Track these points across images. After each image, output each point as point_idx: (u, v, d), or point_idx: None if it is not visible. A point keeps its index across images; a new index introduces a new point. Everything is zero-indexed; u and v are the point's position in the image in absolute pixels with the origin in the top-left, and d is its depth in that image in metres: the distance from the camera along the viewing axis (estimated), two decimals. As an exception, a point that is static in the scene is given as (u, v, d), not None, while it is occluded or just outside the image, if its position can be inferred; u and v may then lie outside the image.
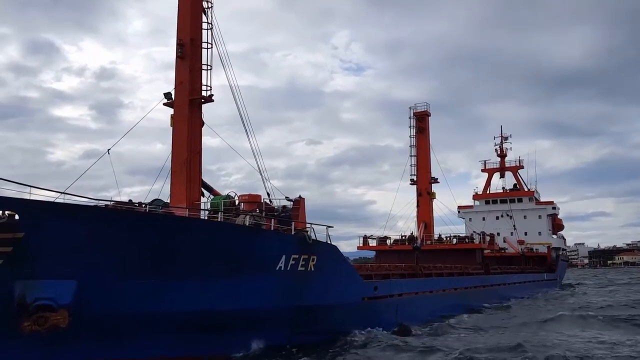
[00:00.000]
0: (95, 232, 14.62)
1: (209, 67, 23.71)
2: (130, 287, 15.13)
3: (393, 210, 49.98)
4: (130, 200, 20.17)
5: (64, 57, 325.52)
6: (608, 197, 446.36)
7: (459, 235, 47.48)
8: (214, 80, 23.39)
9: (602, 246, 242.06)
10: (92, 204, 15.52)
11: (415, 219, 47.96)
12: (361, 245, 47.92)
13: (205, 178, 23.40)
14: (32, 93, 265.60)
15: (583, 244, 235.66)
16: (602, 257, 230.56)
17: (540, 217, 65.65)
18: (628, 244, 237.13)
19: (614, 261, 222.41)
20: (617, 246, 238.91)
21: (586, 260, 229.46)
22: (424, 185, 47.90)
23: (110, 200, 18.02)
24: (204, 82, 23.50)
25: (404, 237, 47.44)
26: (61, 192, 15.64)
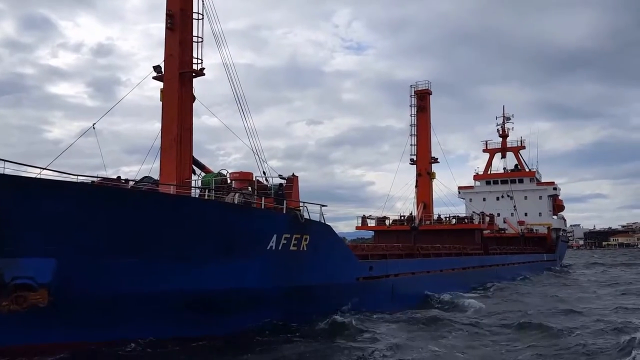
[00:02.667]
0: (76, 209, 14.01)
1: (200, 39, 22.82)
2: (113, 266, 14.59)
3: (392, 192, 49.55)
4: (118, 177, 19.53)
5: (60, 32, 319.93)
6: (605, 179, 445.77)
7: (458, 216, 46.99)
8: (213, 58, 22.46)
9: (598, 228, 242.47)
10: (72, 180, 14.84)
11: (414, 199, 47.40)
12: (359, 225, 47.51)
13: (204, 158, 22.78)
14: (28, 69, 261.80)
15: (579, 225, 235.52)
16: (597, 238, 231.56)
17: (540, 197, 65.13)
18: (623, 226, 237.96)
19: (609, 242, 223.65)
20: (613, 228, 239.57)
21: (581, 242, 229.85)
22: (424, 165, 47.14)
23: (97, 177, 17.41)
24: (195, 54, 22.69)
25: (403, 218, 46.95)
26: (43, 168, 14.97)
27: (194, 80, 22.90)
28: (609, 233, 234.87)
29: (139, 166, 22.31)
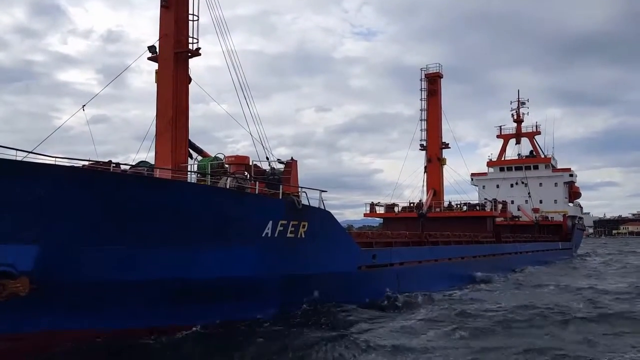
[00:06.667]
0: (59, 193, 13.33)
1: (196, 18, 21.90)
2: (99, 253, 13.93)
3: (400, 179, 48.53)
4: (109, 161, 18.88)
5: (70, 19, 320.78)
6: (616, 166, 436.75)
7: (469, 203, 45.75)
8: (220, 44, 21.38)
9: (608, 216, 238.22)
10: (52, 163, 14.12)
11: (423, 187, 46.23)
12: (368, 212, 46.57)
13: (213, 145, 22.12)
14: (38, 56, 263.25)
15: (588, 213, 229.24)
16: (607, 226, 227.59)
17: (556, 184, 63.48)
18: (634, 214, 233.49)
19: (619, 231, 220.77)
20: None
21: (591, 230, 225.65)
22: (434, 150, 45.84)
23: (88, 160, 16.77)
24: (190, 34, 21.78)
25: (412, 205, 45.87)
26: (28, 152, 14.30)
27: (191, 60, 22.00)
28: (619, 221, 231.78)
29: (148, 153, 21.53)
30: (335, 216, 20.48)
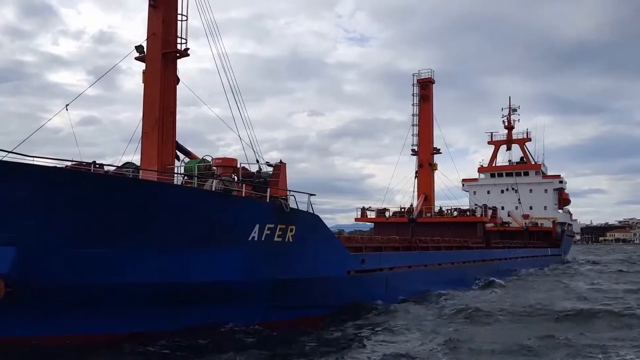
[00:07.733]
0: (36, 194, 12.91)
1: (184, 18, 21.58)
2: (79, 256, 13.52)
3: (391, 184, 48.51)
4: (93, 162, 18.46)
5: (61, 19, 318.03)
6: (604, 174, 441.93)
7: (460, 208, 45.71)
8: (210, 47, 21.05)
9: (595, 223, 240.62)
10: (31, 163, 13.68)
11: (414, 192, 46.13)
12: (359, 217, 46.36)
13: (205, 148, 21.68)
14: (28, 57, 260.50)
15: (576, 220, 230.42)
16: (594, 233, 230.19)
17: (546, 191, 63.75)
18: (620, 221, 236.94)
19: (606, 238, 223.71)
20: (609, 223, 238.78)
21: (578, 237, 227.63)
22: (426, 155, 45.79)
23: (71, 161, 16.35)
24: (179, 34, 21.45)
25: (403, 210, 45.72)
26: (8, 152, 13.83)
27: (183, 62, 21.62)
28: (606, 228, 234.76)
29: (133, 155, 21.02)
30: (327, 221, 20.29)
